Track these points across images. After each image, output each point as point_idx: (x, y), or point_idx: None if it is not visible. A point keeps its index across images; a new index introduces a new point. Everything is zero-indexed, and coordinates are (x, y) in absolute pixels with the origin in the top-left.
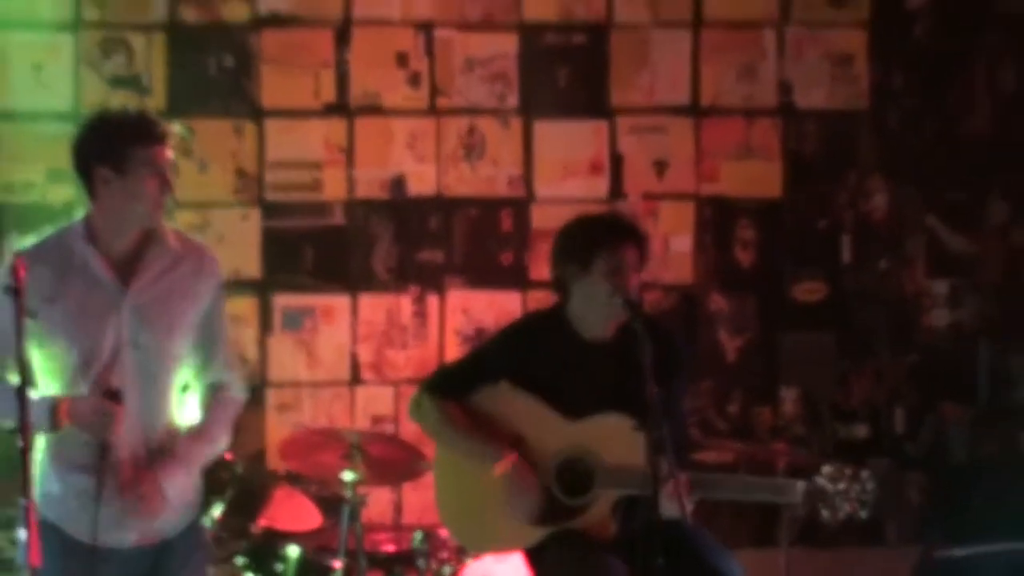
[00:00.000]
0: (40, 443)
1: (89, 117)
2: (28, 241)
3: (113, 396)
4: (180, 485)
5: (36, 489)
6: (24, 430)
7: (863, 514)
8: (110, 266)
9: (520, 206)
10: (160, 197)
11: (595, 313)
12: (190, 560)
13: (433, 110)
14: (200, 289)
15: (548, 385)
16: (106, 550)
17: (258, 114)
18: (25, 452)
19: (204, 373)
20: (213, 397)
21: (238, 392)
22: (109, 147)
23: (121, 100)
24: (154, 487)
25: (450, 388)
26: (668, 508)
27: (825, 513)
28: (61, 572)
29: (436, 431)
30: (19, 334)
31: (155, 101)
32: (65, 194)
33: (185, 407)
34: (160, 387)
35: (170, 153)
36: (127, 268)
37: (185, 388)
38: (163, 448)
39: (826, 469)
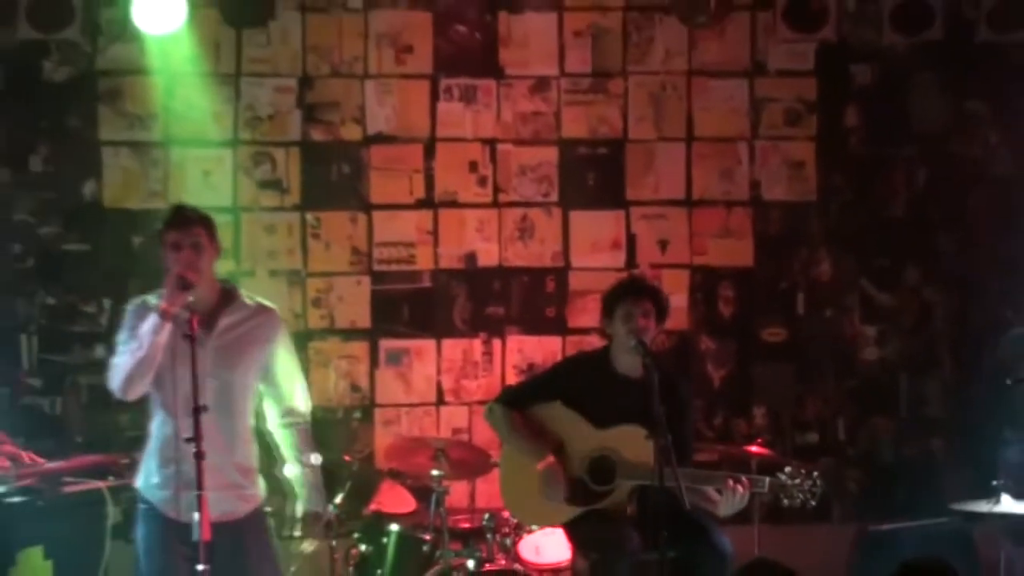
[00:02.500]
0: (148, 446)
1: None
2: (142, 298)
3: (201, 410)
4: (250, 482)
5: (140, 478)
6: (198, 439)
7: (812, 503)
8: (197, 318)
9: (560, 274)
10: (177, 262)
11: (623, 352)
12: (255, 538)
13: (496, 203)
14: (267, 337)
15: (587, 402)
16: (189, 526)
17: (368, 207)
18: (199, 456)
19: (279, 399)
20: (291, 424)
21: (304, 412)
22: (160, 232)
23: (267, 198)
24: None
25: (516, 401)
26: (725, 506)
27: (785, 501)
28: (161, 543)
29: (503, 432)
30: (194, 369)
31: (292, 198)
32: (227, 267)
33: (255, 420)
34: (233, 408)
35: (184, 233)
36: (211, 320)
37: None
38: (242, 464)
39: (788, 469)
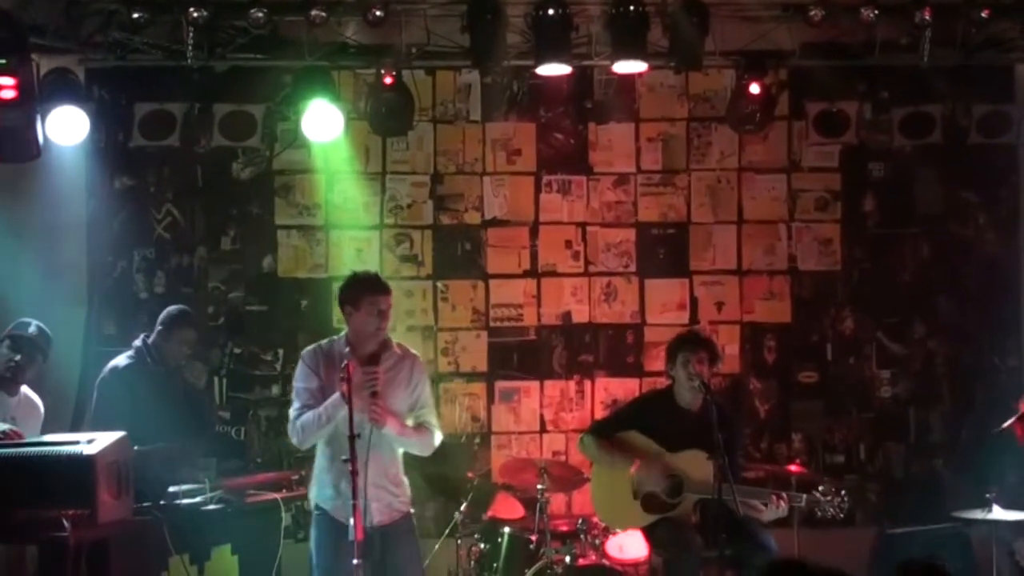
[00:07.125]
0: (317, 465)
1: (347, 277)
2: (317, 344)
3: (356, 437)
4: (401, 494)
5: (314, 491)
6: (353, 461)
7: (841, 516)
8: (359, 363)
9: (637, 328)
10: (378, 324)
11: (686, 390)
12: (404, 539)
13: (586, 273)
14: (412, 378)
15: (658, 430)
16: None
17: (485, 276)
18: (354, 475)
19: (420, 419)
20: (422, 426)
21: (435, 431)
22: (352, 294)
23: (406, 270)
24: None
25: (602, 431)
26: (769, 515)
27: (819, 514)
28: (329, 542)
29: (594, 455)
30: (350, 408)
31: (425, 270)
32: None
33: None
34: (388, 432)
35: (388, 299)
36: (372, 362)
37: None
38: (397, 478)
39: (821, 488)
